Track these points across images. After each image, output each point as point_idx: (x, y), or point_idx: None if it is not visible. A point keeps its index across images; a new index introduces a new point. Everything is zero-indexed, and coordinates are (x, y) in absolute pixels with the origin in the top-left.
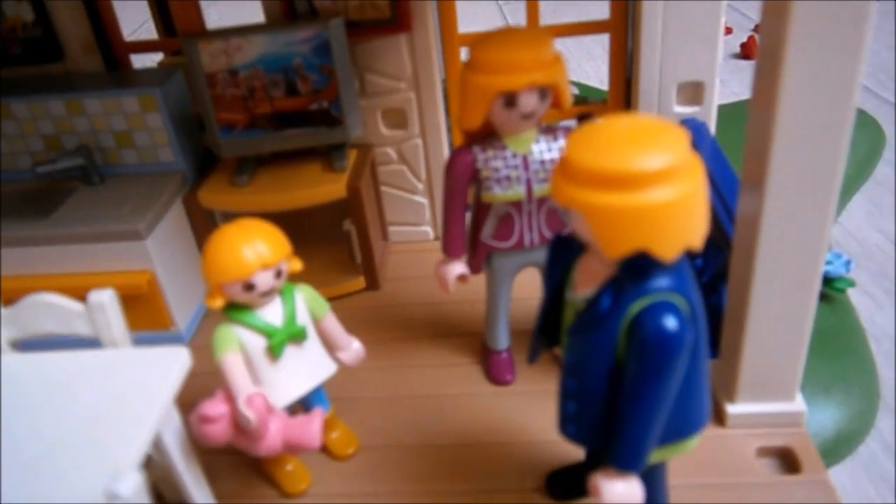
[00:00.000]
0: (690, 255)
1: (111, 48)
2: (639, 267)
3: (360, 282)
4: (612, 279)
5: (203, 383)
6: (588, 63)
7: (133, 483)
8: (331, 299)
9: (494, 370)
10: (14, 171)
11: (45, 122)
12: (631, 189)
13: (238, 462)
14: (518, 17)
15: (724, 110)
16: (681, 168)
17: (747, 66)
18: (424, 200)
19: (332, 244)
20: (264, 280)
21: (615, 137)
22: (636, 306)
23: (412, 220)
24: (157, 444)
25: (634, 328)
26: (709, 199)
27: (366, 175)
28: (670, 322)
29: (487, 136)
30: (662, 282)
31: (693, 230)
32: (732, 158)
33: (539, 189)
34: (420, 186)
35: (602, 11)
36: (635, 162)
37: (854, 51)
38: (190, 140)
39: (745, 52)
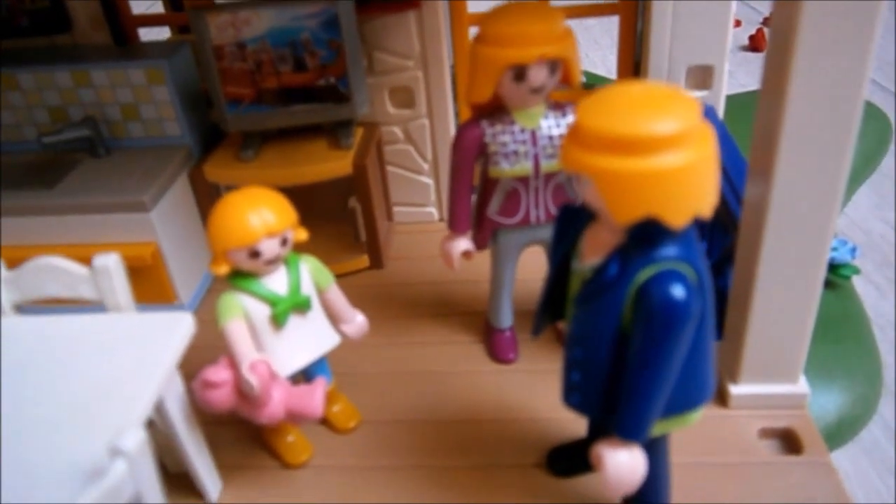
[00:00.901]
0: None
1: (119, 22)
2: (647, 235)
3: (364, 260)
4: (620, 247)
5: (206, 356)
6: (595, 52)
7: (136, 439)
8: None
9: (497, 348)
10: (20, 141)
11: (52, 93)
12: (641, 154)
13: (240, 433)
14: None
15: (732, 100)
16: (691, 134)
17: (755, 59)
18: (430, 181)
19: (337, 222)
20: (270, 247)
21: (626, 103)
22: (644, 274)
23: (417, 200)
24: (160, 410)
25: (641, 296)
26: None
27: (372, 153)
28: (678, 291)
29: (496, 110)
30: (670, 250)
31: (703, 197)
32: (739, 147)
33: (546, 165)
34: (426, 167)
35: None
36: (646, 126)
37: (864, 42)
38: (196, 114)
39: (754, 44)
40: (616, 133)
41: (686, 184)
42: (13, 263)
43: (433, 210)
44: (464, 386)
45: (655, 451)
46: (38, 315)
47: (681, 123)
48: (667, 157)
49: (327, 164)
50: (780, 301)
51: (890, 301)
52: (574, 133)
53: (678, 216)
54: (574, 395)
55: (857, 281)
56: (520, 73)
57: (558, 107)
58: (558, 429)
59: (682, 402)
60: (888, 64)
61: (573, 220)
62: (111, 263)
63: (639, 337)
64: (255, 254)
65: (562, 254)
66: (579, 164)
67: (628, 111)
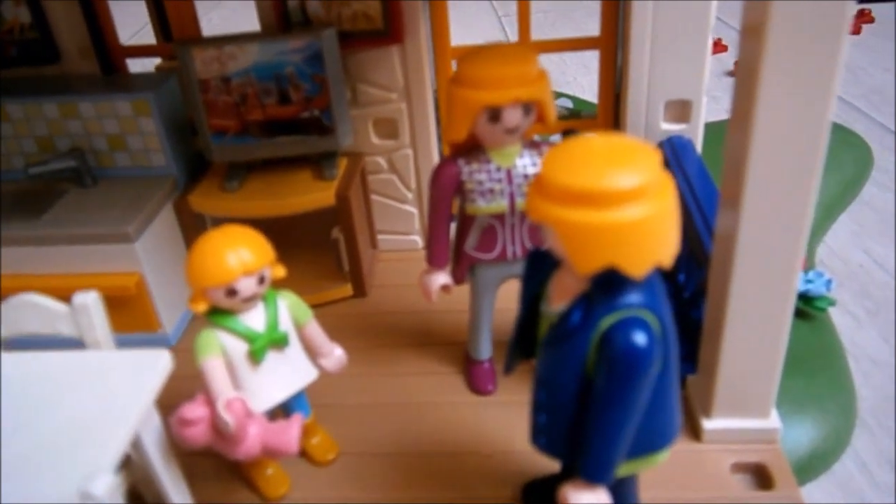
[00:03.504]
0: (674, 271)
1: (107, 52)
2: (610, 283)
3: (348, 289)
4: (584, 294)
5: (189, 386)
6: (584, 77)
7: (107, 484)
8: (318, 306)
9: (476, 380)
10: (7, 171)
11: (39, 123)
12: (602, 207)
13: (218, 466)
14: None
15: (715, 127)
16: (652, 187)
17: None
18: (414, 210)
19: (321, 251)
20: (247, 286)
21: (589, 156)
22: (606, 321)
23: (401, 229)
24: (137, 446)
25: (604, 343)
26: (691, 216)
27: (355, 184)
28: (639, 338)
29: (473, 148)
30: (633, 298)
31: (662, 248)
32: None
33: (522, 203)
34: (409, 196)
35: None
36: (607, 180)
37: (829, 71)
38: (182, 145)
39: None
40: (577, 186)
41: (646, 236)
42: None
43: (417, 238)
44: (442, 417)
45: (623, 492)
46: (17, 352)
47: (641, 177)
48: (627, 210)
49: (311, 195)
50: (751, 334)
51: (866, 332)
52: (538, 184)
53: (638, 266)
54: (540, 437)
55: (833, 311)
56: (494, 114)
57: (534, 146)
58: (535, 462)
59: (647, 444)
60: (873, 91)
61: (542, 264)
62: (90, 301)
63: (601, 382)
64: (232, 292)
65: (531, 296)
66: (542, 214)
67: (590, 164)
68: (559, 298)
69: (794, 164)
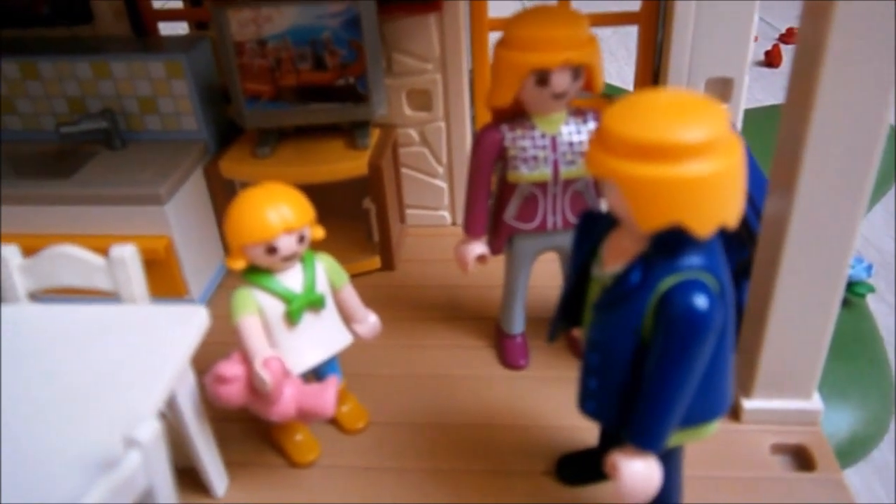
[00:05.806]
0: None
1: (140, 15)
2: (671, 243)
3: (376, 261)
4: (643, 255)
5: (216, 352)
6: (611, 64)
7: (151, 430)
8: None
9: (508, 354)
10: (38, 131)
11: (71, 83)
12: (669, 161)
13: (248, 430)
14: None
15: (746, 115)
16: (720, 142)
17: (770, 74)
18: (444, 185)
19: (350, 223)
20: (287, 244)
21: (655, 109)
22: (666, 283)
23: (431, 203)
24: (171, 404)
25: (663, 305)
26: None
27: (387, 154)
28: (700, 301)
29: (516, 115)
30: (694, 260)
31: (729, 206)
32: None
33: (566, 171)
34: (440, 170)
35: (629, 9)
36: (675, 134)
37: (892, 58)
38: (214, 110)
39: (769, 60)
40: (645, 139)
41: (713, 192)
42: (26, 252)
43: (446, 214)
44: (473, 390)
45: (670, 463)
46: (53, 304)
47: (710, 131)
48: (695, 164)
49: (343, 164)
50: (797, 317)
51: None
52: (601, 138)
53: (704, 225)
54: (590, 403)
55: (869, 299)
56: (542, 77)
57: (579, 113)
58: (568, 437)
59: (700, 414)
60: None
61: (594, 227)
62: (127, 254)
63: (659, 346)
64: (272, 250)
65: (582, 260)
66: (606, 169)
67: (658, 118)
68: (613, 260)
69: (852, 147)
